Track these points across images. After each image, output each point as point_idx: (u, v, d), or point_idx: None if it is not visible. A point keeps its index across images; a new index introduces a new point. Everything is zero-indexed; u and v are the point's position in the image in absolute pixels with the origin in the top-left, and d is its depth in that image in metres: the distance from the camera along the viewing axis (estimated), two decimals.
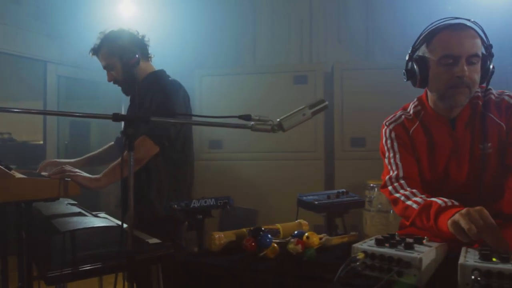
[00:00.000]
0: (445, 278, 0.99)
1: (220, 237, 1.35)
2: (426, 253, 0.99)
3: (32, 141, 4.58)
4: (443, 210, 1.26)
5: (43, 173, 1.88)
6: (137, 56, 2.03)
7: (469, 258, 0.95)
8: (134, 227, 1.84)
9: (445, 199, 1.30)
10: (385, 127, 1.64)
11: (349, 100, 4.03)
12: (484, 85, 1.50)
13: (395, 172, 1.54)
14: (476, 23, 1.44)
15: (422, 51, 1.49)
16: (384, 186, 1.57)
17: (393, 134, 1.60)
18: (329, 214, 1.64)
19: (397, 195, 1.48)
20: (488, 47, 1.45)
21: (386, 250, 1.02)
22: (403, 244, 1.04)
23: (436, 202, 1.30)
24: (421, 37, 1.49)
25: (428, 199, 1.36)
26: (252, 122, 1.34)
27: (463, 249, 1.04)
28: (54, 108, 4.53)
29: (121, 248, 1.47)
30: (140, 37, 2.10)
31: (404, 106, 1.67)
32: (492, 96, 1.51)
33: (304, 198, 1.70)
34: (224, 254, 1.32)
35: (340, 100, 4.06)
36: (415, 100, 1.63)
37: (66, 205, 2.06)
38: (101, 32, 2.06)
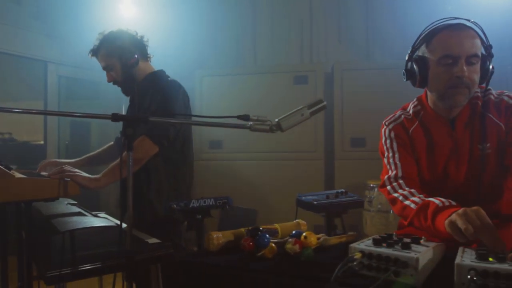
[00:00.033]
0: (442, 278, 0.99)
1: (218, 237, 1.35)
2: (423, 253, 1.00)
3: (32, 141, 4.59)
4: (440, 210, 1.26)
5: (43, 173, 1.89)
6: (136, 56, 2.04)
7: (465, 258, 0.96)
8: (133, 227, 1.86)
9: (443, 199, 1.30)
10: (385, 126, 1.64)
11: (349, 100, 4.04)
12: (484, 85, 1.50)
13: (394, 172, 1.54)
14: (476, 23, 1.44)
15: (422, 51, 1.49)
16: (383, 185, 1.57)
17: (392, 134, 1.60)
18: (328, 214, 1.65)
19: (396, 194, 1.48)
20: (487, 47, 1.45)
21: (383, 250, 1.02)
22: (400, 244, 1.04)
23: (433, 202, 1.30)
24: (421, 37, 1.49)
25: (426, 199, 1.36)
26: (251, 122, 1.34)
27: (460, 249, 1.05)
28: (55, 108, 4.54)
29: (120, 248, 1.47)
30: (139, 37, 2.10)
31: (404, 106, 1.67)
32: (492, 97, 1.51)
33: (303, 198, 1.71)
34: (222, 254, 1.33)
35: (340, 100, 4.06)
36: (414, 100, 1.63)
37: (66, 205, 2.06)
38: (100, 33, 2.07)
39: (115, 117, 1.34)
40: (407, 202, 1.42)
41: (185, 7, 4.58)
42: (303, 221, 1.57)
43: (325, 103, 1.36)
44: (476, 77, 1.43)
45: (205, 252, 1.36)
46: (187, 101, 2.09)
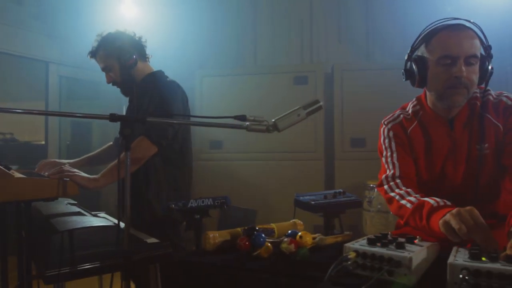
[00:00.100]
0: (436, 278, 0.99)
1: (215, 237, 1.36)
2: (417, 252, 1.00)
3: (34, 141, 4.61)
4: (435, 210, 1.26)
5: (42, 173, 1.90)
6: (134, 57, 2.05)
7: (458, 257, 0.96)
8: (132, 227, 1.87)
9: (438, 199, 1.31)
10: (384, 126, 1.64)
11: (349, 100, 4.05)
12: (483, 86, 1.50)
13: (392, 171, 1.54)
14: (476, 24, 1.44)
15: (421, 51, 1.49)
16: (380, 184, 1.57)
17: (391, 133, 1.60)
18: (326, 214, 1.65)
19: (392, 194, 1.49)
20: (487, 48, 1.45)
21: (377, 250, 1.03)
22: (394, 244, 1.05)
23: (428, 202, 1.31)
24: (420, 37, 1.50)
25: (421, 198, 1.36)
26: (247, 123, 1.35)
27: (454, 249, 1.05)
28: (56, 108, 4.56)
29: (118, 247, 1.48)
30: (137, 38, 2.12)
31: (403, 106, 1.67)
32: (491, 97, 1.51)
33: (301, 198, 1.72)
34: (218, 254, 1.34)
35: (340, 100, 4.07)
36: (414, 99, 1.64)
37: (66, 205, 2.08)
38: (98, 34, 2.08)
39: (113, 118, 1.35)
40: (403, 202, 1.42)
41: (185, 8, 4.59)
42: (299, 221, 1.58)
43: (321, 103, 1.37)
44: (475, 78, 1.43)
45: (202, 252, 1.37)
46: (185, 102, 2.10)
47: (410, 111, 1.61)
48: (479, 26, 1.44)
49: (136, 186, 2.03)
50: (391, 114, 1.66)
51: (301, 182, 3.92)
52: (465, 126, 1.50)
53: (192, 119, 2.09)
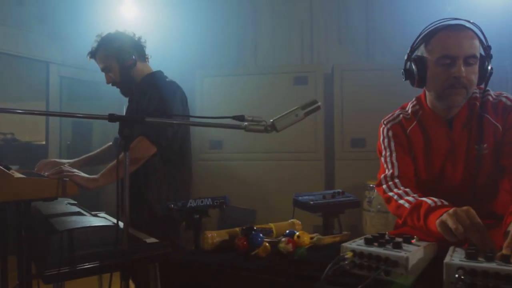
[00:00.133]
0: (433, 277, 1.00)
1: (213, 236, 1.36)
2: (413, 252, 1.01)
3: (35, 141, 4.62)
4: (432, 210, 1.27)
5: (42, 173, 1.91)
6: (133, 57, 2.06)
7: (455, 257, 0.96)
8: (132, 227, 1.88)
9: (435, 199, 1.31)
10: (383, 125, 1.65)
11: (349, 100, 4.04)
12: (483, 86, 1.51)
13: (390, 171, 1.55)
14: (475, 24, 1.44)
15: (421, 51, 1.49)
16: (379, 184, 1.57)
17: (390, 133, 1.60)
18: (325, 214, 1.66)
19: (391, 193, 1.49)
20: (487, 48, 1.45)
21: (374, 249, 1.03)
22: (391, 244, 1.05)
23: (426, 202, 1.31)
24: (420, 37, 1.50)
25: (419, 198, 1.37)
26: (246, 123, 1.36)
27: (451, 248, 1.06)
28: (56, 109, 4.57)
29: (117, 247, 1.49)
30: (136, 38, 2.12)
31: (403, 106, 1.67)
32: (490, 98, 1.51)
33: (300, 198, 1.72)
34: (216, 253, 1.34)
35: (340, 101, 4.07)
36: (413, 99, 1.64)
37: (65, 205, 2.09)
38: (98, 35, 2.09)
39: (111, 118, 1.36)
40: (401, 201, 1.42)
41: (185, 8, 4.60)
42: (297, 221, 1.59)
43: (319, 103, 1.37)
44: (474, 78, 1.43)
45: (200, 251, 1.38)
46: (185, 102, 2.11)
47: (409, 111, 1.61)
48: (478, 27, 1.44)
49: (136, 186, 2.03)
50: (391, 114, 1.66)
51: (301, 182, 3.92)
52: (464, 126, 1.50)
53: (191, 119, 2.09)
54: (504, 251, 0.96)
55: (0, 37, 3.97)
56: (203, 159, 4.28)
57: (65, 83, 4.76)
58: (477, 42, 1.41)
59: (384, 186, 1.54)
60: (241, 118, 1.34)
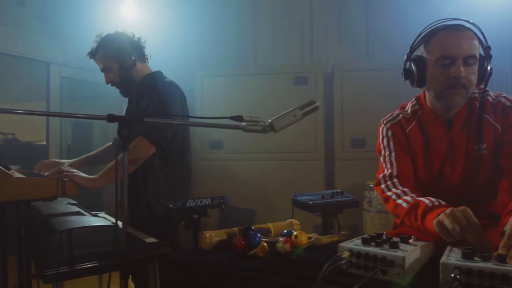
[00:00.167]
0: (429, 277, 1.00)
1: (211, 236, 1.37)
2: (410, 252, 1.01)
3: (35, 142, 4.62)
4: (429, 210, 1.27)
5: (42, 173, 1.91)
6: (133, 58, 2.06)
7: (451, 257, 0.97)
8: (132, 227, 1.89)
9: (433, 199, 1.31)
10: (383, 125, 1.65)
11: (349, 101, 4.05)
12: (482, 86, 1.51)
13: (389, 171, 1.55)
14: (475, 24, 1.44)
15: (420, 51, 1.49)
16: (378, 184, 1.57)
17: (389, 133, 1.61)
18: (323, 214, 1.66)
19: (389, 193, 1.49)
20: (486, 48, 1.45)
21: (371, 249, 1.03)
22: (388, 243, 1.05)
23: (423, 202, 1.31)
24: (419, 37, 1.50)
25: (417, 198, 1.37)
26: (244, 123, 1.36)
27: (448, 248, 1.06)
28: (57, 109, 4.58)
29: (116, 247, 1.50)
30: (136, 39, 2.13)
31: (403, 105, 1.67)
32: (489, 98, 1.51)
33: (299, 198, 1.73)
34: (214, 253, 1.35)
35: (340, 101, 4.07)
36: (413, 99, 1.64)
37: (65, 205, 2.09)
38: (97, 35, 2.10)
39: (110, 118, 1.37)
40: (399, 201, 1.43)
41: (186, 8, 4.61)
42: (296, 221, 1.59)
43: (317, 104, 1.38)
44: (474, 78, 1.43)
45: (198, 251, 1.38)
46: (184, 102, 2.11)
47: (409, 111, 1.62)
48: (478, 27, 1.44)
49: (135, 186, 2.04)
50: (390, 114, 1.66)
51: (301, 182, 3.92)
52: (463, 126, 1.50)
53: (190, 119, 2.10)
54: (500, 251, 0.97)
55: (1, 38, 3.98)
56: (204, 159, 4.29)
57: (65, 83, 4.77)
58: (476, 43, 1.41)
59: (383, 186, 1.54)
60: (239, 118, 1.35)
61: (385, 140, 1.62)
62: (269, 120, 1.36)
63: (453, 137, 1.51)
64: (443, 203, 1.29)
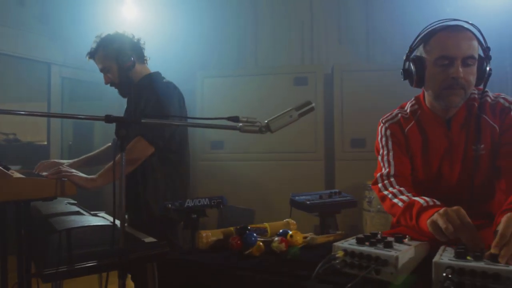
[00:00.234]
0: (423, 276, 1.01)
1: (208, 236, 1.38)
2: (404, 251, 1.02)
3: (36, 142, 4.64)
4: (424, 209, 1.27)
5: (41, 173, 1.93)
6: (132, 59, 2.07)
7: (444, 256, 0.97)
8: (131, 227, 1.89)
9: (427, 199, 1.32)
10: (382, 124, 1.65)
11: (349, 101, 4.05)
12: (482, 87, 1.51)
13: (387, 170, 1.55)
14: (474, 25, 1.44)
15: (420, 51, 1.50)
16: (375, 183, 1.58)
17: (388, 132, 1.61)
18: (321, 214, 1.67)
19: (386, 192, 1.49)
20: (485, 49, 1.45)
21: (365, 249, 1.04)
22: (383, 243, 1.06)
23: (418, 202, 1.32)
24: (419, 38, 1.50)
25: (412, 198, 1.37)
26: (240, 124, 1.37)
27: (441, 248, 1.07)
28: (58, 109, 4.59)
29: (114, 246, 1.50)
30: (135, 40, 2.14)
31: (402, 105, 1.68)
32: (488, 99, 1.51)
33: (297, 198, 1.74)
34: (211, 252, 1.36)
35: (340, 101, 4.08)
36: (412, 99, 1.64)
37: (65, 205, 2.10)
38: (97, 35, 2.11)
39: (108, 119, 1.37)
40: (395, 200, 1.43)
41: (186, 9, 4.62)
42: (292, 221, 1.60)
43: (313, 104, 1.38)
44: (472, 79, 1.43)
45: (195, 251, 1.39)
46: (182, 102, 2.12)
47: (408, 111, 1.62)
48: (477, 27, 1.44)
49: (134, 186, 2.05)
50: (389, 113, 1.67)
51: (301, 182, 3.92)
52: (462, 126, 1.51)
53: (188, 120, 2.11)
54: (492, 251, 0.97)
55: (1, 38, 4.00)
56: (204, 159, 4.31)
57: (66, 84, 4.78)
58: (475, 43, 1.41)
59: (380, 185, 1.54)
60: (235, 119, 1.36)
61: (383, 139, 1.63)
62: (266, 121, 1.37)
63: (452, 137, 1.51)
64: (438, 203, 1.30)
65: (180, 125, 2.06)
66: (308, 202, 1.66)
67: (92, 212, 2.02)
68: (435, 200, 1.31)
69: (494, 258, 0.94)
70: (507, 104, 1.48)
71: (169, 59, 4.09)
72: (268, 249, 1.28)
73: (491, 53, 1.46)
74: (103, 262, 1.54)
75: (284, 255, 1.25)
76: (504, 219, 1.04)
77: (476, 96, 1.52)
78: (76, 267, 1.49)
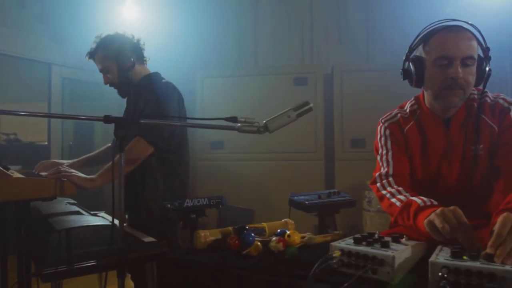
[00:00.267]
0: (420, 276, 1.01)
1: (206, 235, 1.38)
2: (400, 251, 1.02)
3: (37, 142, 4.65)
4: (421, 209, 1.28)
5: (42, 173, 1.93)
6: (132, 59, 2.08)
7: (440, 256, 0.98)
8: (131, 227, 1.90)
9: (425, 199, 1.32)
10: (381, 124, 1.66)
11: (349, 101, 4.06)
12: (481, 87, 1.51)
13: (385, 169, 1.55)
14: (474, 25, 1.44)
15: (419, 51, 1.50)
16: (373, 182, 1.58)
17: (387, 132, 1.61)
18: (320, 214, 1.68)
19: (384, 192, 1.50)
20: (485, 49, 1.45)
21: (362, 248, 1.05)
22: (379, 243, 1.07)
23: (415, 202, 1.32)
24: (418, 38, 1.50)
25: (410, 197, 1.38)
26: (239, 124, 1.38)
27: (438, 247, 1.07)
28: (59, 110, 4.60)
29: (114, 246, 1.51)
30: (135, 41, 2.14)
31: (401, 105, 1.68)
32: (488, 99, 1.51)
33: (295, 198, 1.74)
34: (209, 252, 1.36)
35: (340, 101, 4.08)
36: (412, 99, 1.65)
37: (65, 204, 2.11)
38: (97, 36, 2.11)
39: (107, 119, 1.38)
40: (393, 200, 1.43)
41: (186, 9, 4.63)
42: (290, 220, 1.60)
43: (311, 105, 1.39)
44: (472, 79, 1.43)
45: (193, 250, 1.40)
46: (181, 103, 2.12)
47: (407, 110, 1.62)
48: (477, 28, 1.44)
49: (133, 186, 2.05)
50: (389, 113, 1.67)
51: (301, 182, 3.93)
52: (461, 126, 1.51)
53: (187, 120, 2.12)
54: (488, 250, 0.97)
55: (1, 38, 4.01)
56: (204, 159, 4.32)
57: (67, 84, 4.79)
58: (475, 43, 1.41)
59: (378, 184, 1.55)
60: (234, 119, 1.36)
61: (382, 138, 1.63)
62: (264, 121, 1.37)
63: (451, 137, 1.51)
64: (435, 203, 1.30)
65: (179, 126, 2.06)
66: (306, 202, 1.66)
67: (92, 212, 2.03)
68: (432, 200, 1.32)
69: (490, 258, 0.94)
70: (506, 105, 1.48)
71: (169, 59, 4.11)
72: (266, 249, 1.28)
73: (490, 53, 1.46)
74: (102, 262, 1.54)
75: (282, 255, 1.25)
76: (500, 219, 1.04)
77: (476, 96, 1.52)
78: (75, 266, 1.49)
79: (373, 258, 1.01)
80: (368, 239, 1.09)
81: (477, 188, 1.49)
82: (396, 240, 1.12)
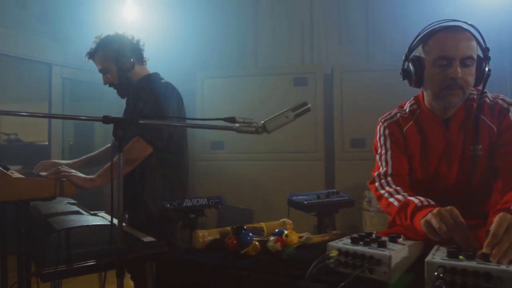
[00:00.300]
0: (417, 276, 1.02)
1: (204, 235, 1.39)
2: (397, 251, 1.03)
3: (37, 142, 4.66)
4: (418, 209, 1.28)
5: (41, 173, 1.94)
6: (131, 60, 2.08)
7: (437, 255, 0.98)
8: (130, 227, 1.90)
9: (422, 199, 1.32)
10: (380, 124, 1.66)
11: (348, 101, 4.07)
12: (481, 87, 1.51)
13: (384, 169, 1.56)
14: (473, 25, 1.44)
15: (419, 51, 1.50)
16: (372, 182, 1.58)
17: (387, 131, 1.61)
18: (319, 214, 1.68)
19: (382, 191, 1.50)
20: (485, 50, 1.45)
21: (359, 248, 1.05)
22: (377, 243, 1.07)
23: (413, 201, 1.32)
24: (418, 38, 1.51)
25: (408, 197, 1.38)
26: (237, 124, 1.38)
27: (435, 247, 1.07)
28: (59, 110, 4.61)
29: (113, 246, 1.51)
30: (135, 41, 2.14)
31: (401, 105, 1.68)
32: (487, 99, 1.51)
33: (294, 198, 1.74)
34: (207, 252, 1.37)
35: (340, 101, 4.09)
36: (411, 99, 1.65)
37: (65, 204, 2.11)
38: (96, 36, 2.11)
39: (106, 120, 1.39)
40: (391, 200, 1.43)
41: (186, 9, 4.63)
42: (289, 220, 1.61)
43: (309, 105, 1.39)
44: (471, 79, 1.44)
45: (192, 250, 1.40)
46: (180, 103, 2.12)
47: (407, 110, 1.62)
48: (476, 28, 1.44)
49: (132, 186, 2.06)
50: (388, 113, 1.67)
51: (301, 182, 3.94)
52: (460, 127, 1.51)
53: (186, 120, 2.12)
54: (484, 250, 0.98)
55: (1, 39, 4.02)
56: (205, 159, 4.32)
57: (67, 84, 4.80)
58: (474, 44, 1.42)
59: (377, 184, 1.55)
60: (232, 120, 1.37)
61: (382, 138, 1.63)
62: (262, 122, 1.38)
63: (450, 137, 1.52)
64: (432, 203, 1.30)
65: (178, 126, 2.06)
66: (305, 202, 1.66)
67: (91, 212, 2.04)
68: (429, 200, 1.32)
69: (486, 258, 0.95)
70: (505, 105, 1.49)
71: (169, 60, 4.11)
72: (264, 249, 1.29)
73: (490, 53, 1.46)
74: (101, 262, 1.55)
75: (280, 255, 1.26)
76: (496, 219, 1.05)
77: (475, 96, 1.52)
78: (75, 266, 1.50)
79: (370, 258, 1.01)
80: (365, 239, 1.09)
81: (476, 188, 1.49)
82: (393, 240, 1.13)
